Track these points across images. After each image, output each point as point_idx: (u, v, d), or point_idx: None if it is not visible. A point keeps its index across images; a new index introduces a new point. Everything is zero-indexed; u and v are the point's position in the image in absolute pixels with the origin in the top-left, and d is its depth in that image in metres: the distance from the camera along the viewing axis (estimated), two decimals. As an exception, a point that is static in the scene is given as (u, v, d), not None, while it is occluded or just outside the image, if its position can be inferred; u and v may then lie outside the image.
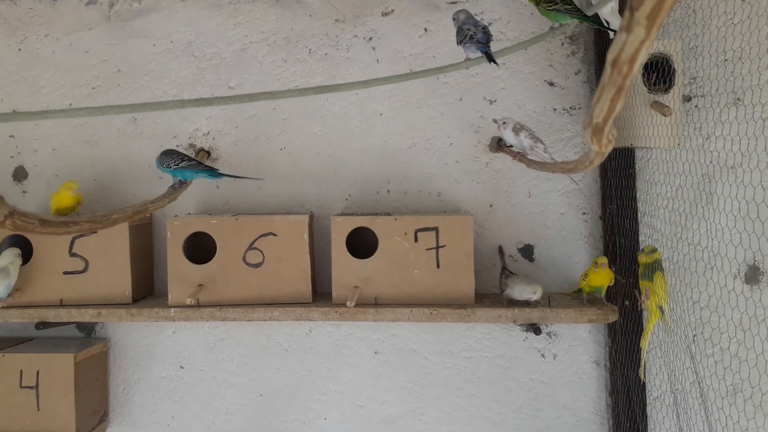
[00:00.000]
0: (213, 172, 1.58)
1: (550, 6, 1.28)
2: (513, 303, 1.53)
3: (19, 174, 1.84)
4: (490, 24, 1.69)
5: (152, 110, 1.68)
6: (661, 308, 1.34)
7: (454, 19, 1.40)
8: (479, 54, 1.28)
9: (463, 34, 1.31)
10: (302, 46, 1.78)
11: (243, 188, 1.77)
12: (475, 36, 1.29)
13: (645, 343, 1.40)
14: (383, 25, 1.76)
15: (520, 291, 1.51)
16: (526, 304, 1.52)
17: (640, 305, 1.46)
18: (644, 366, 1.43)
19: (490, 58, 1.26)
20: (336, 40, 1.77)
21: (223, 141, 1.79)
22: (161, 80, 1.81)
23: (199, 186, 1.74)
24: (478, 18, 1.36)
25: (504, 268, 1.62)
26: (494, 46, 1.31)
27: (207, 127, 1.79)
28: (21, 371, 1.59)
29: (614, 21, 1.40)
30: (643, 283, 1.39)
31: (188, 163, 1.54)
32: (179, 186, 1.55)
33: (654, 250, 1.39)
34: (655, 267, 1.37)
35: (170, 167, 1.54)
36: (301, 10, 1.78)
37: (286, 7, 1.79)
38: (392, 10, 1.76)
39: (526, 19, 1.72)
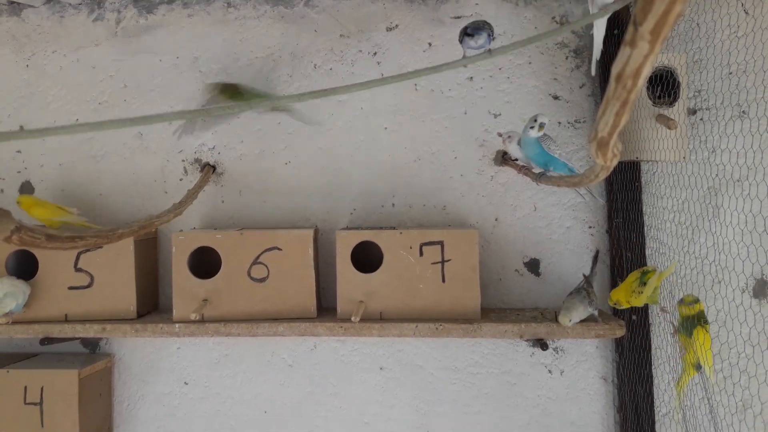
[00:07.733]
0: None
1: None
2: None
3: (26, 189, 1.84)
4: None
5: (151, 123, 1.68)
6: (698, 366, 1.21)
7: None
8: (476, 51, 1.15)
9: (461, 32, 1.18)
10: (307, 61, 1.79)
11: (248, 202, 1.77)
12: (467, 28, 1.16)
13: (680, 390, 1.27)
14: (387, 40, 1.77)
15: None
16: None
17: (681, 357, 1.32)
18: (681, 413, 1.33)
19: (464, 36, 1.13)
20: (341, 55, 1.78)
21: (228, 155, 1.79)
22: (167, 96, 1.82)
23: (204, 201, 1.74)
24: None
25: (587, 280, 1.52)
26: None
27: (212, 142, 1.80)
28: (25, 387, 1.59)
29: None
30: (680, 337, 1.26)
31: None
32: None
33: (696, 301, 1.23)
34: (696, 321, 1.21)
35: None
36: (306, 25, 1.79)
37: (291, 22, 1.80)
38: (396, 25, 1.77)
39: (530, 34, 1.72)
